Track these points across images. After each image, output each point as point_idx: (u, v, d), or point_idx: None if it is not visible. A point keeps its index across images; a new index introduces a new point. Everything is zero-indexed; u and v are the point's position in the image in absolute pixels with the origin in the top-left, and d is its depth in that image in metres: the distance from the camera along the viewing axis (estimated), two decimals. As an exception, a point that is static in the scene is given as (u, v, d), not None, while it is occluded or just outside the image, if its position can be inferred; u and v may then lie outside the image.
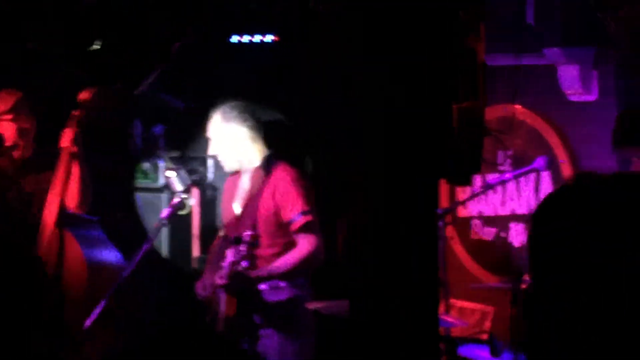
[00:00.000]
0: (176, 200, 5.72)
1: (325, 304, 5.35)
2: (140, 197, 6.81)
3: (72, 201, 5.75)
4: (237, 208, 5.67)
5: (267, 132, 5.89)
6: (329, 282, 5.42)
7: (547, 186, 6.71)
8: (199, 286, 5.57)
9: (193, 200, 6.42)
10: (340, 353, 5.31)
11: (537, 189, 6.76)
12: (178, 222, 6.20)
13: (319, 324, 5.46)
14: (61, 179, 5.75)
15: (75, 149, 5.76)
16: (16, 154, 5.85)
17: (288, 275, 5.49)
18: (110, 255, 5.91)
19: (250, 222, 5.57)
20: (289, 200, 5.56)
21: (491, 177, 6.78)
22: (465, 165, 5.33)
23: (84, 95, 5.77)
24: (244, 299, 5.49)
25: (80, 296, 5.77)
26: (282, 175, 5.62)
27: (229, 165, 5.71)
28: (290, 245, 5.56)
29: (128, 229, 6.42)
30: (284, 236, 5.58)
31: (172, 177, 5.97)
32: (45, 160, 5.85)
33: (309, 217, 5.58)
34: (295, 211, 5.56)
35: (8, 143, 5.85)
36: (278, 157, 5.65)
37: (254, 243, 5.45)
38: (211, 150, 5.65)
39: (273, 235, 5.57)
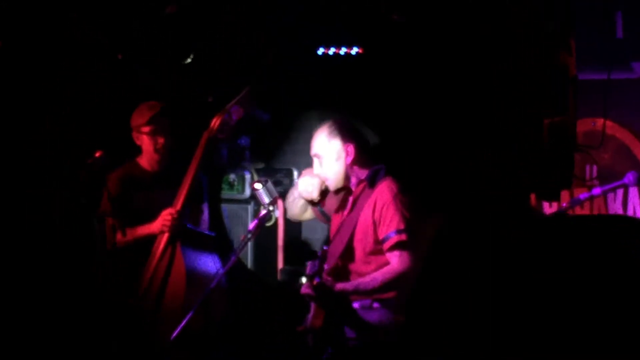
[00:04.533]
0: (263, 212, 5.65)
1: None
2: (226, 208, 6.78)
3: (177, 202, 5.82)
4: (337, 220, 5.63)
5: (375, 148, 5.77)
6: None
7: (635, 202, 6.61)
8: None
9: (278, 212, 6.42)
10: None
11: (625, 205, 6.64)
12: (263, 234, 6.18)
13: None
14: (185, 186, 5.87)
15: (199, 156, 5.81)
16: (147, 164, 5.98)
17: (375, 292, 5.40)
18: (212, 268, 5.99)
19: (348, 235, 5.50)
20: (386, 217, 5.44)
21: (579, 192, 6.66)
22: (555, 180, 5.37)
23: (221, 114, 5.85)
24: (332, 313, 5.44)
25: (177, 309, 5.85)
26: (386, 190, 5.47)
27: (333, 184, 5.63)
28: (385, 265, 5.46)
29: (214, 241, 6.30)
30: (379, 253, 5.47)
31: (260, 189, 5.90)
32: (175, 177, 5.96)
33: (402, 236, 5.42)
34: (390, 229, 5.42)
35: (143, 156, 5.98)
36: (386, 173, 5.51)
37: (324, 258, 5.44)
38: (315, 169, 5.58)
39: (369, 252, 5.48)
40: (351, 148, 5.53)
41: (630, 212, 6.61)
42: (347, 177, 5.60)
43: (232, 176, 6.83)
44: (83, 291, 5.65)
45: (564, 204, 6.61)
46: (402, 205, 5.45)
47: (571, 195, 6.69)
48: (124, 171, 6.05)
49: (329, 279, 5.38)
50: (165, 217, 5.83)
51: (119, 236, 5.57)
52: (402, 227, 5.40)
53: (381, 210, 5.42)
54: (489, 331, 5.29)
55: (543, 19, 5.14)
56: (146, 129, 5.98)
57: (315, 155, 5.59)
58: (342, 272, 5.51)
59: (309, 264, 5.37)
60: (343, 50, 6.27)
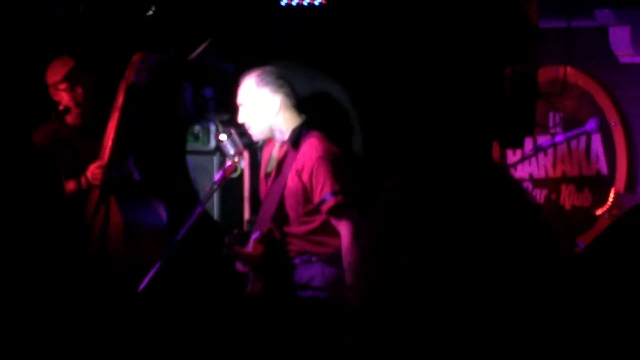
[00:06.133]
0: (228, 163, 5.74)
1: None
2: (191, 160, 6.82)
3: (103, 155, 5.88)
4: (266, 182, 5.64)
5: (312, 101, 5.77)
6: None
7: (598, 148, 6.70)
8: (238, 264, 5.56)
9: (244, 163, 6.45)
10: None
11: (588, 151, 6.74)
12: (229, 185, 6.20)
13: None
14: (108, 138, 5.92)
15: (119, 106, 5.92)
16: (70, 119, 6.00)
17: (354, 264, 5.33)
18: (151, 219, 6.09)
19: (277, 201, 5.50)
20: (318, 181, 5.40)
21: (542, 139, 6.77)
22: (518, 127, 5.47)
23: (135, 57, 5.92)
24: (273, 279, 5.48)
25: (120, 258, 5.96)
26: (310, 150, 5.44)
27: (257, 135, 5.61)
28: (327, 223, 5.40)
29: (180, 192, 6.47)
30: (315, 213, 5.44)
31: (224, 140, 5.96)
32: (101, 127, 5.97)
33: (339, 198, 5.36)
34: (325, 192, 5.38)
35: (61, 108, 5.99)
36: (311, 128, 5.51)
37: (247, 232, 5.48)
38: (240, 117, 5.55)
39: (302, 214, 5.46)
40: (277, 100, 5.45)
41: (592, 159, 6.71)
42: (271, 130, 5.53)
43: (196, 128, 6.85)
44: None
45: (527, 151, 6.76)
46: (331, 163, 5.37)
47: (534, 141, 6.79)
48: (46, 128, 6.06)
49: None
50: (94, 171, 5.86)
51: None
52: (336, 187, 5.33)
53: (310, 173, 5.36)
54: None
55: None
56: (63, 85, 6.00)
57: (240, 103, 5.52)
58: (278, 235, 5.51)
59: (226, 238, 5.47)
60: (306, 1, 6.24)
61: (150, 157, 6.30)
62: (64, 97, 6.01)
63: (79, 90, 6.01)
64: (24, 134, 5.95)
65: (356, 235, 5.27)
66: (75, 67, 6.00)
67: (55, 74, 6.01)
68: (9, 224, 4.48)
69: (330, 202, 5.31)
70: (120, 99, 5.93)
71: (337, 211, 5.31)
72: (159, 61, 6.14)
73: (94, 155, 5.92)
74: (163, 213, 6.18)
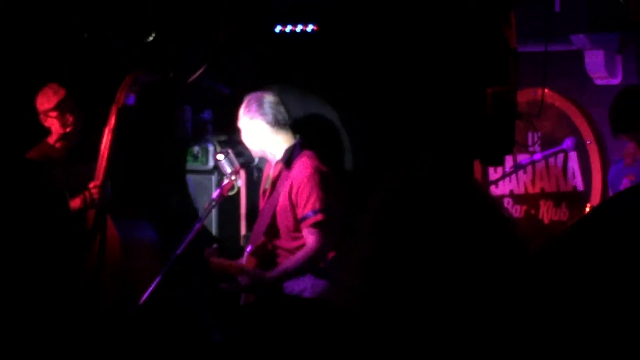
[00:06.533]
0: (226, 181, 5.72)
1: None
2: (191, 179, 6.83)
3: (97, 175, 5.86)
4: (263, 200, 5.65)
5: (304, 122, 5.81)
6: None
7: (574, 165, 6.70)
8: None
9: (240, 182, 6.45)
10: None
11: (565, 168, 6.76)
12: (226, 202, 6.18)
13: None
14: (102, 159, 5.89)
15: (111, 128, 5.88)
16: (60, 144, 6.02)
17: (300, 272, 5.44)
18: (145, 235, 6.07)
19: (269, 217, 5.53)
20: (303, 198, 5.42)
21: (522, 157, 6.78)
22: (498, 146, 5.37)
23: (126, 79, 5.93)
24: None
25: (117, 272, 5.94)
26: (301, 169, 5.46)
27: (254, 154, 5.68)
28: None
29: (180, 210, 6.57)
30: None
31: (222, 159, 5.97)
32: (91, 149, 5.95)
33: (319, 216, 5.40)
34: (307, 209, 5.41)
35: (54, 137, 6.01)
36: (303, 147, 5.53)
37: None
38: (242, 138, 5.62)
39: (292, 230, 5.52)
40: (264, 125, 5.50)
41: (569, 176, 6.70)
42: (262, 152, 5.61)
43: (195, 148, 6.85)
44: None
45: (508, 169, 6.79)
46: (318, 183, 5.42)
47: (514, 159, 6.80)
48: (38, 151, 6.05)
49: (258, 272, 5.45)
50: (91, 190, 5.83)
51: None
52: (317, 207, 5.39)
53: (297, 191, 5.40)
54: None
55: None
56: (54, 113, 5.97)
57: (239, 127, 5.60)
58: (269, 248, 5.59)
59: (206, 251, 5.54)
60: (299, 28, 6.30)
61: (153, 179, 6.38)
62: (54, 124, 5.99)
63: (69, 117, 5.97)
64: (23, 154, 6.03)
65: (317, 252, 5.36)
66: (66, 96, 6.01)
67: (46, 101, 6.01)
68: (17, 231, 4.60)
69: (311, 219, 5.36)
70: (112, 121, 5.92)
71: (313, 227, 5.37)
72: (150, 82, 6.15)
73: (88, 177, 5.91)
74: (150, 229, 6.17)
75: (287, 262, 5.44)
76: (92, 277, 5.89)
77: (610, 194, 6.12)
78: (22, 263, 5.64)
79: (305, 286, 5.39)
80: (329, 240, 5.37)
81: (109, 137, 5.88)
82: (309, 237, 5.39)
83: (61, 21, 6.42)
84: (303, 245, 5.45)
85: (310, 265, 5.41)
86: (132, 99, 5.92)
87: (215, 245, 5.59)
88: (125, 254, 5.95)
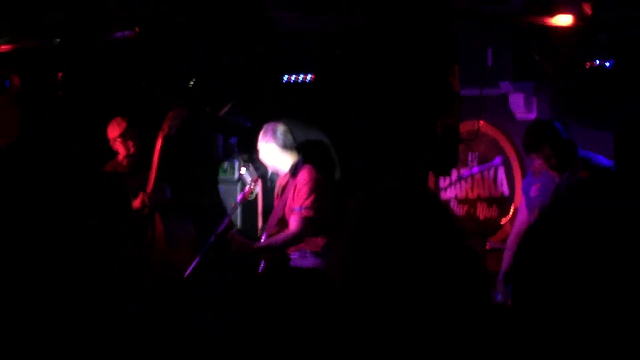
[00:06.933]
0: (247, 188, 6.42)
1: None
2: (222, 187, 7.46)
3: (149, 184, 6.53)
4: (276, 201, 6.05)
5: (306, 145, 6.11)
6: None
7: (502, 177, 7.39)
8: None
9: (258, 189, 7.03)
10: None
11: (495, 179, 7.46)
12: (248, 204, 6.92)
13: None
14: (152, 173, 6.58)
15: (158, 150, 6.49)
16: (125, 161, 6.96)
17: (280, 248, 5.71)
18: (184, 230, 6.60)
19: (280, 213, 5.89)
20: (300, 196, 5.68)
21: (464, 170, 7.51)
22: (446, 162, 5.62)
23: (170, 113, 6.68)
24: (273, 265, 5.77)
25: (163, 258, 6.48)
26: (303, 176, 5.76)
27: (269, 168, 6.09)
28: (317, 228, 5.73)
29: (213, 209, 7.21)
30: None
31: (244, 172, 6.74)
32: (146, 166, 6.69)
33: (305, 213, 5.63)
34: (297, 203, 5.66)
35: (120, 156, 6.91)
36: (305, 162, 5.82)
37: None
38: (259, 157, 6.06)
39: None
40: (275, 147, 5.89)
41: (498, 184, 7.28)
42: (274, 167, 5.99)
43: (225, 164, 7.47)
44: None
45: (453, 179, 7.58)
46: (314, 186, 5.71)
47: (458, 172, 7.53)
48: (110, 167, 6.78)
49: (250, 242, 5.82)
50: (145, 196, 6.48)
51: None
52: (307, 204, 5.68)
53: (297, 191, 5.74)
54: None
55: (433, 52, 5.42)
56: (119, 140, 6.72)
57: (258, 149, 5.98)
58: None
59: (229, 232, 5.85)
60: (301, 77, 7.10)
61: (185, 184, 6.87)
62: (120, 148, 6.80)
63: (130, 143, 6.78)
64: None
65: (295, 237, 5.63)
66: (128, 127, 6.75)
67: (113, 131, 6.75)
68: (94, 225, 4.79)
69: (300, 212, 5.70)
70: (158, 145, 6.59)
71: (300, 218, 5.67)
72: (188, 116, 6.76)
73: (143, 185, 6.60)
74: (188, 220, 6.68)
75: (270, 239, 5.81)
76: (143, 261, 6.44)
77: (523, 198, 6.32)
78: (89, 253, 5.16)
79: (309, 264, 5.81)
80: (308, 232, 5.67)
81: (156, 157, 6.59)
82: (293, 224, 5.69)
83: (126, 73, 7.15)
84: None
85: (286, 245, 5.72)
86: (174, 129, 6.57)
87: (235, 229, 6.21)
88: (168, 243, 6.54)
